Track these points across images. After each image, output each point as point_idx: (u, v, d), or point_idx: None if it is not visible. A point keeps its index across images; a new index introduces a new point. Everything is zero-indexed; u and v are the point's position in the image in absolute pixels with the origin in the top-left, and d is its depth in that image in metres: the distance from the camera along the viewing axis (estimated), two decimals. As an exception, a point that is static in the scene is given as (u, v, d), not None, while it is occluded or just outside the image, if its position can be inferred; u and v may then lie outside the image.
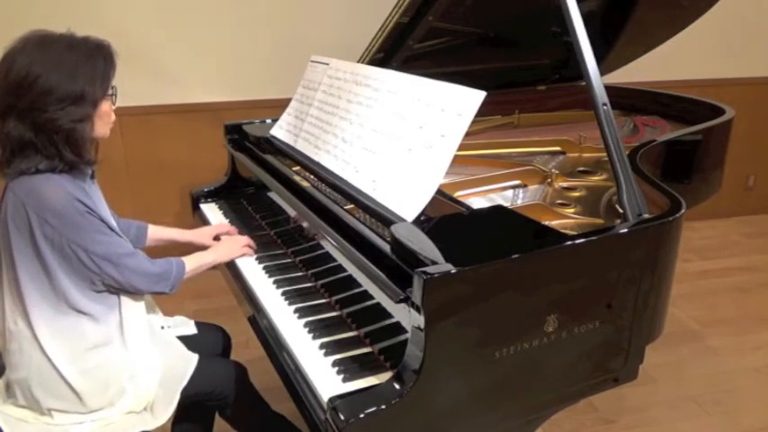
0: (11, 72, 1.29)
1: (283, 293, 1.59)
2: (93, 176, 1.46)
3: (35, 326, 1.34)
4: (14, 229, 1.32)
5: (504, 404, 1.27)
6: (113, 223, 1.42)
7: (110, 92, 1.39)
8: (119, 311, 1.43)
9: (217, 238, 1.91)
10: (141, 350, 1.46)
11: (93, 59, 1.34)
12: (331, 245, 1.48)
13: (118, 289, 1.41)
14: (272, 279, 1.67)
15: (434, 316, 1.09)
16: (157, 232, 1.84)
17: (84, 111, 1.32)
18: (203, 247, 1.86)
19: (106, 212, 1.43)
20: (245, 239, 1.81)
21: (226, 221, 2.08)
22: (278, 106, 2.19)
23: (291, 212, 1.80)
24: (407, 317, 1.14)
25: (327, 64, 1.95)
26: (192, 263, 1.56)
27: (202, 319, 1.80)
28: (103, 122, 1.39)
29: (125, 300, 1.44)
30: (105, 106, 1.38)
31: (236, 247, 1.76)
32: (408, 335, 1.15)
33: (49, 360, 1.34)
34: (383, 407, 1.08)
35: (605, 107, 1.44)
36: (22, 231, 1.31)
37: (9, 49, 1.32)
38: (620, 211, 1.42)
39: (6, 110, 1.30)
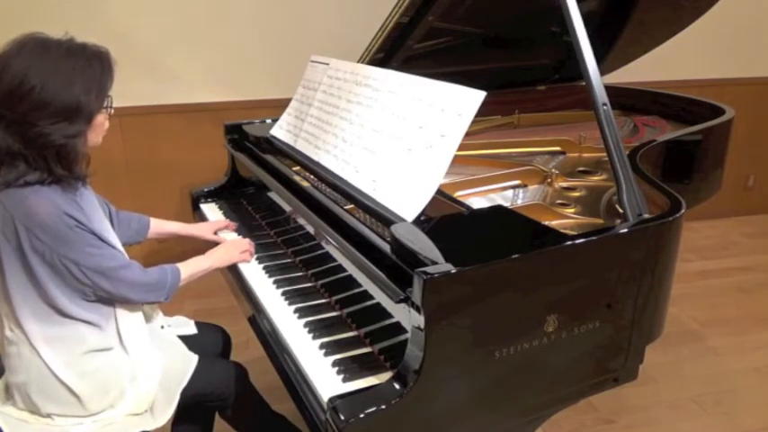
0: (3, 78, 1.23)
1: (283, 293, 1.59)
2: (85, 183, 1.40)
3: (29, 335, 1.33)
4: (4, 241, 1.30)
5: (504, 404, 1.27)
6: (106, 234, 1.38)
7: (105, 103, 1.34)
8: (114, 319, 1.41)
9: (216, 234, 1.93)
10: (141, 353, 1.45)
11: (91, 68, 1.30)
12: (331, 245, 1.48)
13: (111, 300, 1.39)
14: (272, 279, 1.67)
15: (434, 316, 1.09)
16: (159, 226, 1.83)
17: (77, 127, 1.28)
18: (205, 241, 1.86)
19: (98, 222, 1.39)
20: (245, 243, 1.77)
21: (224, 220, 2.07)
22: (278, 106, 2.19)
23: (292, 213, 1.80)
24: (407, 317, 1.14)
25: (327, 64, 1.95)
26: (187, 269, 1.54)
27: (202, 319, 1.80)
28: (96, 133, 1.36)
29: (120, 308, 1.42)
30: (100, 118, 1.34)
31: (235, 253, 1.73)
32: (408, 335, 1.14)
33: (47, 366, 1.33)
34: (383, 407, 1.08)
35: (605, 107, 1.44)
36: (12, 244, 1.29)
37: (3, 53, 1.27)
38: (620, 211, 1.42)
39: None
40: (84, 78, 1.28)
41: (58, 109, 1.25)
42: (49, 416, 1.36)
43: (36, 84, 1.23)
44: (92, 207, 1.41)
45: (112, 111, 1.38)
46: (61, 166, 1.28)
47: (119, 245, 1.44)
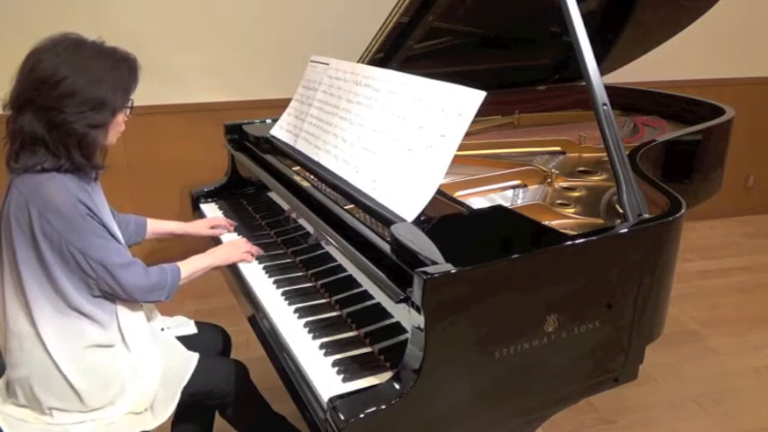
0: (36, 69, 1.30)
1: (283, 293, 1.59)
2: (96, 178, 1.46)
3: (37, 323, 1.34)
4: (17, 227, 1.32)
5: (503, 404, 1.27)
6: (114, 229, 1.42)
7: (128, 104, 1.41)
8: (116, 317, 1.42)
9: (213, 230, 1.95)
10: (143, 351, 1.46)
11: (119, 69, 1.37)
12: (331, 245, 1.48)
13: (113, 295, 1.40)
14: (272, 279, 1.67)
15: (434, 316, 1.09)
16: (156, 226, 1.84)
17: (102, 117, 1.34)
18: (201, 240, 1.87)
19: (108, 216, 1.43)
20: (246, 244, 1.78)
21: (220, 216, 2.09)
22: (278, 106, 2.19)
23: (291, 213, 1.80)
24: (407, 317, 1.14)
25: (327, 64, 1.95)
26: (187, 268, 1.55)
27: (202, 319, 1.80)
28: (114, 132, 1.41)
29: (121, 306, 1.43)
30: (120, 117, 1.40)
31: (237, 253, 1.74)
32: (408, 335, 1.15)
33: (51, 357, 1.34)
34: (383, 407, 1.08)
35: (605, 107, 1.44)
36: (24, 229, 1.32)
37: (36, 48, 1.33)
38: (620, 211, 1.42)
39: (24, 104, 1.31)
40: (112, 78, 1.35)
41: (85, 99, 1.31)
42: (49, 411, 1.37)
43: (67, 75, 1.30)
44: (101, 201, 1.45)
45: (131, 114, 1.44)
46: (81, 155, 1.34)
47: (123, 242, 1.45)
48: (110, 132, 1.39)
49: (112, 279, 1.36)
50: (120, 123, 1.41)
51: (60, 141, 1.31)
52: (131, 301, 1.44)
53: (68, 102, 1.30)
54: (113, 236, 1.39)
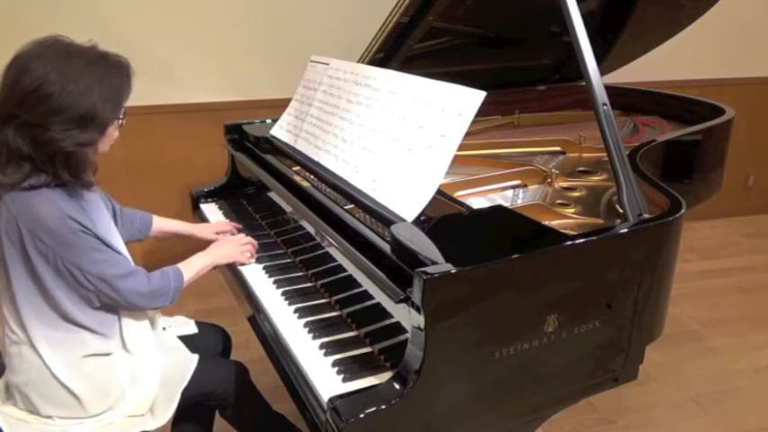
0: (22, 79, 1.22)
1: (283, 293, 1.59)
2: (89, 190, 1.39)
3: (32, 337, 1.33)
4: (8, 244, 1.29)
5: (504, 404, 1.27)
6: (111, 239, 1.37)
7: (120, 115, 1.34)
8: (119, 327, 1.41)
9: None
10: (144, 357, 1.45)
11: (110, 79, 1.29)
12: (331, 245, 1.48)
13: (116, 306, 1.38)
14: (272, 279, 1.67)
15: (434, 316, 1.09)
16: (162, 224, 1.83)
17: (89, 136, 1.28)
18: (206, 241, 1.86)
19: (103, 226, 1.38)
20: (245, 240, 1.77)
21: (226, 221, 2.07)
22: (278, 106, 2.19)
23: (292, 213, 1.80)
24: (407, 317, 1.14)
25: (327, 64, 1.95)
26: (189, 270, 1.53)
27: (202, 319, 1.80)
28: (105, 143, 1.36)
29: (126, 317, 1.41)
30: (111, 129, 1.34)
31: (237, 250, 1.73)
32: (408, 335, 1.15)
33: (47, 367, 1.33)
34: (383, 407, 1.08)
35: (605, 107, 1.44)
36: (16, 246, 1.29)
37: (23, 53, 1.26)
38: (620, 211, 1.42)
39: (8, 117, 1.24)
40: (102, 89, 1.28)
41: (73, 116, 1.24)
42: (48, 416, 1.36)
43: (55, 90, 1.22)
44: (97, 211, 1.40)
45: (124, 122, 1.37)
46: (69, 173, 1.27)
47: (124, 249, 1.42)
48: (100, 145, 1.34)
49: (113, 291, 1.33)
50: (111, 134, 1.35)
51: (47, 159, 1.24)
52: (136, 310, 1.42)
53: (54, 119, 1.22)
54: (110, 246, 1.35)
